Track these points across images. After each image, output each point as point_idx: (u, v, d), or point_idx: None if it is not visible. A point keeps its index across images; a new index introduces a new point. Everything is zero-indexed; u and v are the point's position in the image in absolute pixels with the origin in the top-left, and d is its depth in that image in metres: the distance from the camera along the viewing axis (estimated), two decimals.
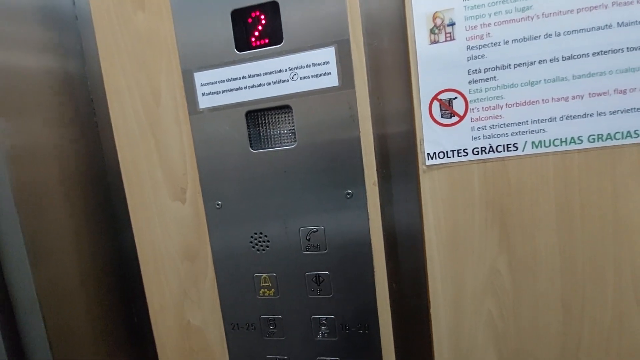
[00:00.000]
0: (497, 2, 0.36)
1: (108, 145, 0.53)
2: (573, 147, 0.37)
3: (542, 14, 0.36)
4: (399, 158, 0.43)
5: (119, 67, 0.46)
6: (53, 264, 0.44)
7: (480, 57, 0.37)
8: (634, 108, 0.36)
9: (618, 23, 0.35)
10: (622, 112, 0.36)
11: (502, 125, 0.38)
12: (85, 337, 0.48)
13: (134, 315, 0.55)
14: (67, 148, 0.48)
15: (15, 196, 0.40)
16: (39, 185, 0.44)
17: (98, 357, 0.49)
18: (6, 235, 0.41)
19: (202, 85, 0.43)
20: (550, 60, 0.36)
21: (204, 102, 0.44)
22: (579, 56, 0.36)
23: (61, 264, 0.45)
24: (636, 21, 0.35)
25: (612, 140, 0.36)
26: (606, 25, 0.35)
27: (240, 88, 0.42)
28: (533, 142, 0.38)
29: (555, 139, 0.37)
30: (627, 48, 0.35)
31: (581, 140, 0.37)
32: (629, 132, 0.36)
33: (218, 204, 0.45)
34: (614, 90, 0.36)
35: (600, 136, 0.37)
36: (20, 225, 0.41)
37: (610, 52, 0.36)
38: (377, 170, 0.41)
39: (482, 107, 0.38)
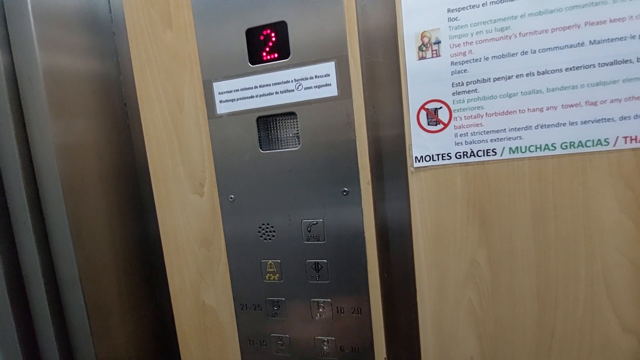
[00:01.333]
0: (478, 22, 0.41)
1: (138, 145, 0.60)
2: (547, 153, 0.41)
3: (519, 33, 0.40)
4: (391, 160, 0.48)
5: (150, 78, 0.53)
6: (91, 245, 0.52)
7: (463, 71, 0.42)
8: (604, 118, 0.39)
9: (590, 41, 0.39)
10: (592, 122, 0.40)
11: (482, 133, 0.42)
12: (115, 310, 0.55)
13: (156, 295, 0.62)
14: (104, 146, 0.55)
15: (62, 186, 0.48)
16: (81, 178, 0.51)
17: (125, 329, 0.56)
18: (54, 219, 0.49)
19: (219, 93, 0.50)
20: (526, 75, 0.40)
21: (221, 109, 0.50)
22: (553, 71, 0.40)
23: (97, 246, 0.53)
24: (607, 39, 0.38)
25: (583, 147, 0.40)
26: (579, 43, 0.39)
27: (252, 96, 0.48)
28: (510, 148, 0.42)
29: (530, 145, 0.41)
30: (599, 64, 0.39)
31: (554, 147, 0.41)
32: (599, 140, 0.40)
33: (231, 198, 0.52)
34: (585, 102, 0.40)
35: (572, 143, 0.40)
36: (66, 212, 0.48)
37: (582, 67, 0.39)
38: (370, 171, 0.46)
39: (465, 116, 0.42)
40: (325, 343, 0.51)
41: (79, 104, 0.52)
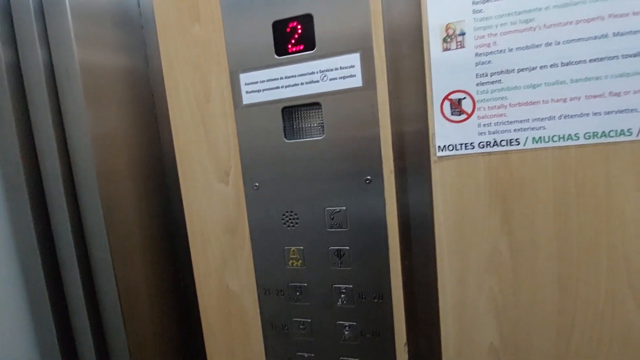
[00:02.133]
0: (503, 14, 0.41)
1: (164, 134, 0.62)
2: (570, 142, 0.42)
3: (544, 25, 0.41)
4: (413, 150, 0.49)
5: (177, 70, 0.54)
6: (122, 231, 0.54)
7: (487, 62, 0.42)
8: (627, 109, 0.40)
9: (614, 33, 0.39)
10: (616, 113, 0.40)
11: (505, 123, 0.43)
12: (144, 295, 0.57)
13: (180, 280, 0.65)
14: (133, 136, 0.57)
15: (97, 173, 0.50)
16: (113, 166, 0.53)
17: (152, 313, 0.59)
18: (89, 204, 0.51)
19: (246, 84, 0.51)
20: (550, 66, 0.41)
21: (247, 99, 0.52)
22: (577, 62, 0.40)
23: (128, 232, 0.55)
24: (631, 31, 0.39)
25: (606, 137, 0.41)
26: (602, 34, 0.40)
27: (278, 87, 0.50)
28: (534, 138, 0.43)
29: (554, 135, 0.42)
30: (622, 55, 0.39)
31: (578, 137, 0.41)
32: (622, 130, 0.40)
33: (256, 186, 0.53)
34: (609, 93, 0.40)
35: (595, 133, 0.41)
36: (100, 198, 0.50)
37: (606, 58, 0.40)
38: (393, 160, 0.47)
39: (488, 107, 0.43)
40: (347, 328, 0.53)
41: (111, 95, 0.54)
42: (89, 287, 0.52)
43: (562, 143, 0.42)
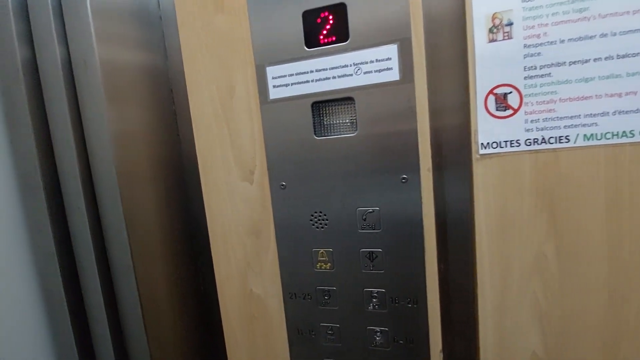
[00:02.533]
0: (554, 3, 0.39)
1: (184, 131, 0.60)
2: (625, 140, 0.39)
3: (599, 15, 0.38)
4: (452, 147, 0.47)
5: (200, 64, 0.52)
6: (143, 233, 0.51)
7: (536, 54, 0.40)
8: None
9: None
10: None
11: (555, 119, 0.40)
12: (164, 299, 0.55)
13: (200, 284, 0.62)
14: (152, 133, 0.55)
15: (117, 172, 0.47)
16: (133, 164, 0.51)
17: (173, 317, 0.56)
18: (109, 205, 0.48)
19: (273, 78, 0.49)
20: (605, 59, 0.38)
21: (274, 94, 0.49)
22: (634, 55, 0.38)
23: (148, 233, 0.53)
24: None
25: None
26: None
27: (307, 81, 0.47)
28: (585, 135, 0.40)
29: (607, 132, 0.39)
30: None
31: (633, 134, 0.39)
32: None
33: (282, 185, 0.51)
34: None
35: None
36: (120, 198, 0.48)
37: None
38: (432, 157, 0.45)
39: (536, 102, 0.41)
40: (378, 334, 0.50)
41: (130, 92, 0.52)
42: (108, 292, 0.50)
43: (615, 140, 0.39)
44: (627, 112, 0.39)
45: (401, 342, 0.50)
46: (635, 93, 0.38)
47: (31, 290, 0.49)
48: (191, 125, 0.54)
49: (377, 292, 0.49)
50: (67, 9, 0.46)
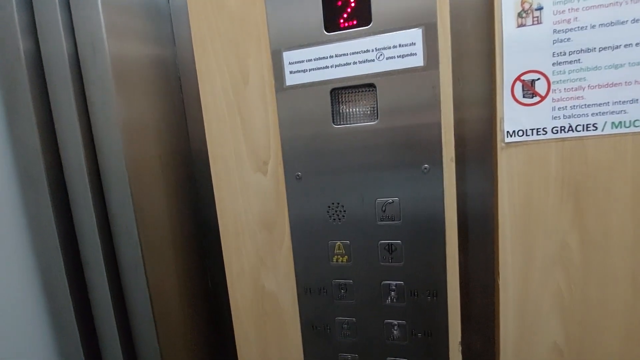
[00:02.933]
0: None
1: (192, 121, 0.57)
2: None
3: (632, 0, 0.37)
4: (475, 136, 0.46)
5: (211, 50, 0.49)
6: (152, 227, 0.49)
7: (565, 40, 0.39)
8: None
9: None
10: None
11: (583, 106, 0.40)
12: (174, 295, 0.53)
13: (209, 279, 0.60)
14: (161, 125, 0.52)
15: (127, 165, 0.45)
16: (142, 157, 0.48)
17: (183, 314, 0.54)
18: (118, 198, 0.46)
19: (290, 64, 0.47)
20: (636, 45, 0.38)
21: (291, 80, 0.47)
22: None
23: (158, 228, 0.50)
24: None
25: None
26: None
27: (327, 67, 0.45)
28: (613, 123, 0.39)
29: (635, 120, 0.39)
30: None
31: None
32: None
33: (298, 176, 0.49)
34: None
35: None
36: (130, 192, 0.45)
37: None
38: (455, 147, 0.43)
39: (564, 88, 0.40)
40: (395, 327, 0.49)
41: (139, 85, 0.49)
42: (116, 290, 0.47)
43: None
44: None
45: (419, 335, 0.49)
46: None
47: (35, 288, 0.46)
48: (201, 118, 0.51)
49: (396, 285, 0.48)
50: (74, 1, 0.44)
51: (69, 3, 0.44)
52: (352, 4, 0.44)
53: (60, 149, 0.45)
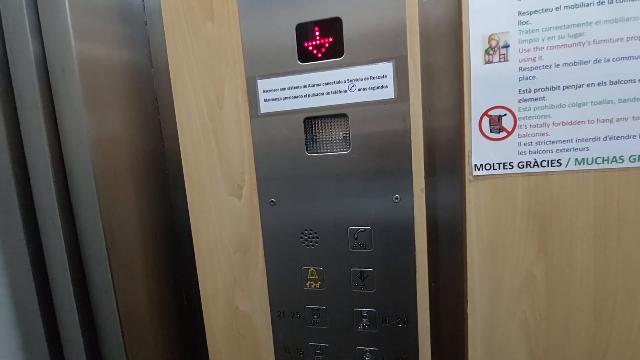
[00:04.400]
0: (550, 27, 0.39)
1: (169, 142, 0.57)
2: (614, 165, 0.40)
3: (594, 41, 0.38)
4: (445, 167, 0.46)
5: (187, 73, 0.49)
6: (123, 248, 0.49)
7: (531, 77, 0.40)
8: None
9: None
10: None
11: (547, 142, 0.41)
12: (146, 317, 0.52)
13: (183, 299, 0.60)
14: (135, 141, 0.52)
15: (96, 184, 0.45)
16: (114, 176, 0.48)
17: (155, 336, 0.54)
18: (87, 219, 0.45)
19: (264, 91, 0.47)
20: (598, 84, 0.39)
21: (265, 107, 0.47)
22: (626, 81, 0.38)
23: (129, 248, 0.50)
24: None
25: None
26: None
27: (300, 96, 0.46)
28: (576, 159, 0.40)
29: (597, 157, 0.40)
30: None
31: (622, 160, 0.39)
32: None
33: (272, 201, 0.49)
34: None
35: None
36: (100, 212, 0.45)
37: None
38: (425, 178, 0.44)
39: (530, 125, 0.41)
40: (367, 354, 0.50)
41: (111, 96, 0.49)
42: (85, 313, 0.47)
43: (605, 165, 0.40)
44: (617, 137, 0.39)
45: None
46: (626, 119, 0.39)
47: (4, 309, 0.46)
48: (176, 129, 0.51)
49: (368, 312, 0.49)
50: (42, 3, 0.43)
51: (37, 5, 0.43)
52: (325, 36, 0.44)
53: (29, 166, 0.44)
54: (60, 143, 0.45)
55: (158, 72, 0.55)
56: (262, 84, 0.47)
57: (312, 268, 0.50)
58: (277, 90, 0.46)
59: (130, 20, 0.52)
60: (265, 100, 0.47)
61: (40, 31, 0.43)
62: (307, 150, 0.47)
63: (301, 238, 0.49)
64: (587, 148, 0.40)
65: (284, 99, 0.47)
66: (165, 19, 0.49)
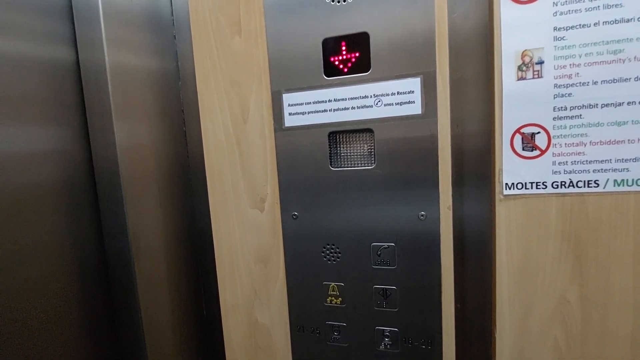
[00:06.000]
0: (588, 43, 0.37)
1: (194, 153, 0.58)
2: None
3: (634, 57, 0.36)
4: (474, 185, 0.45)
5: (213, 86, 0.50)
6: (148, 257, 0.49)
7: (567, 95, 0.38)
8: None
9: None
10: None
11: (584, 162, 0.39)
12: (168, 327, 0.53)
13: (203, 310, 0.60)
14: (162, 151, 0.53)
15: (125, 193, 0.45)
16: (141, 186, 0.49)
17: (176, 347, 0.54)
18: (113, 227, 0.46)
19: (289, 105, 0.47)
20: (639, 102, 0.37)
21: (290, 121, 0.47)
22: None
23: (154, 258, 0.50)
24: None
25: None
26: None
27: (325, 110, 0.46)
28: (615, 180, 0.38)
29: (638, 179, 0.38)
30: None
31: None
32: None
33: (294, 215, 0.49)
34: None
35: None
36: (127, 222, 0.46)
37: None
38: (452, 195, 0.43)
39: (565, 143, 0.39)
40: None
41: (140, 106, 0.50)
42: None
43: None
44: None
45: None
46: None
47: None
48: (201, 140, 0.52)
49: (390, 332, 0.47)
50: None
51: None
52: (352, 51, 0.44)
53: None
54: (91, 151, 0.46)
55: (185, 84, 0.56)
56: (288, 98, 0.47)
57: (333, 284, 0.49)
58: (302, 104, 0.46)
59: (160, 32, 0.53)
60: (290, 114, 0.47)
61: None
62: (330, 164, 0.47)
63: (323, 253, 0.49)
64: (627, 169, 0.38)
65: (308, 113, 0.46)
66: (193, 33, 0.50)
